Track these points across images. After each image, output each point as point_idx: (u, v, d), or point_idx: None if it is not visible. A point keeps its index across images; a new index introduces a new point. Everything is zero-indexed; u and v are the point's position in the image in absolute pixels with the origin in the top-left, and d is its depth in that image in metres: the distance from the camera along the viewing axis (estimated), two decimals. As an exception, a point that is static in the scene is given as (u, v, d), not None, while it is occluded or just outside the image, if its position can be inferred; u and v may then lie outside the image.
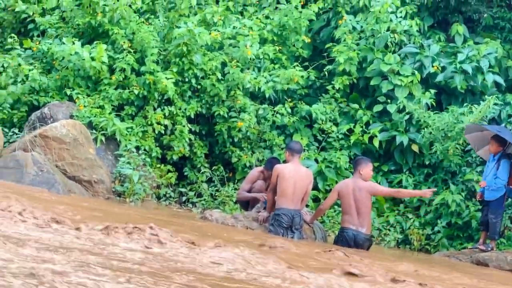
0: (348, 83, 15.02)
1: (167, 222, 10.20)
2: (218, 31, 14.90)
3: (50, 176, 12.51)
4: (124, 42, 14.35)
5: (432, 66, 15.03)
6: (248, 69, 14.86)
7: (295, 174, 11.19)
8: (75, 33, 15.13)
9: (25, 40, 14.99)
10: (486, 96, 14.35)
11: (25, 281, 4.41)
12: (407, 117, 14.64)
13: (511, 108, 14.86)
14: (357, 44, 15.19)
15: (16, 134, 13.76)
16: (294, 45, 15.70)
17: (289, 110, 14.73)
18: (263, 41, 15.20)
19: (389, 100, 14.83)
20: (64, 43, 14.16)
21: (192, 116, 14.43)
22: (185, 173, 14.63)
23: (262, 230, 11.35)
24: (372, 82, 14.95)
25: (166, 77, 14.05)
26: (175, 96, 14.24)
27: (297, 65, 15.03)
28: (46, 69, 14.79)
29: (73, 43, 14.00)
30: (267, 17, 15.68)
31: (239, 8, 16.25)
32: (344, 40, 15.09)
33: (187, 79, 14.51)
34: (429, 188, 13.52)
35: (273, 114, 14.66)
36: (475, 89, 15.13)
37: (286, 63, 15.32)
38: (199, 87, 14.65)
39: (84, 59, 13.86)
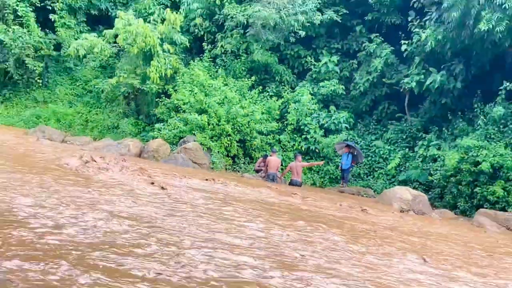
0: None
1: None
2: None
3: (188, 162, 20.83)
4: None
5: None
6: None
7: (275, 160, 20.24)
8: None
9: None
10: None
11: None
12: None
13: (353, 135, 25.93)
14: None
15: (175, 147, 22.24)
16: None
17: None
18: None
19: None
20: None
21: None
22: (236, 162, 23.47)
23: (263, 181, 18.90)
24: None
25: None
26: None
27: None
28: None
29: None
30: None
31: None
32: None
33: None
34: (322, 161, 23.14)
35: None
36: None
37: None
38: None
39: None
